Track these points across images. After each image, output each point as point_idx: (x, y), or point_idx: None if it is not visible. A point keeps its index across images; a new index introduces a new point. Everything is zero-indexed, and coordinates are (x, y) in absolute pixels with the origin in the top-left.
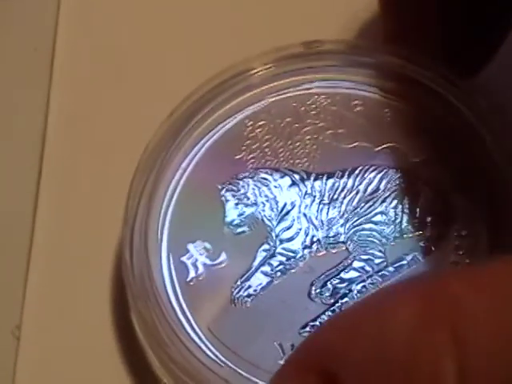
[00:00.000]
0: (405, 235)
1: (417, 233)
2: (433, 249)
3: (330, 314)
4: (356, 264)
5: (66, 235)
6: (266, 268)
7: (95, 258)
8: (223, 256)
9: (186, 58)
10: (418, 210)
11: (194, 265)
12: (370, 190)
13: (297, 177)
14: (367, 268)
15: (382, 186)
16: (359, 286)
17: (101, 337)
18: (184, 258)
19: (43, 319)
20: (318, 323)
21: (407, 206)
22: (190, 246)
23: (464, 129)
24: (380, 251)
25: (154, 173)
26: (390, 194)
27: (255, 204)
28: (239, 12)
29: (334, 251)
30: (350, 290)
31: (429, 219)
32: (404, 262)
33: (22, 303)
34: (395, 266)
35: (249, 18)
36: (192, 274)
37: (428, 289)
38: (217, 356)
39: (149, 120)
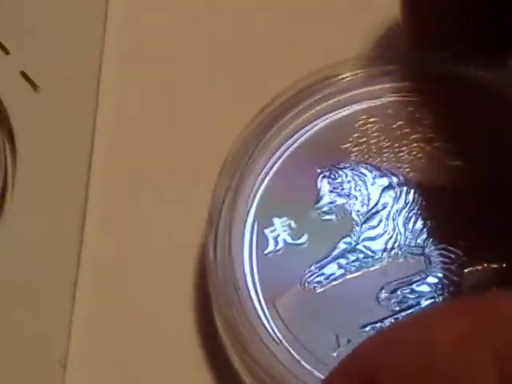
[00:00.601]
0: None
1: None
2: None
3: (392, 320)
4: (430, 279)
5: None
6: (343, 260)
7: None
8: (305, 238)
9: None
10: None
11: (275, 239)
12: (465, 212)
13: (395, 180)
14: (440, 286)
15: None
16: (428, 302)
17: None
18: (267, 231)
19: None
20: (378, 326)
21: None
22: (276, 220)
23: None
24: (459, 271)
25: (248, 154)
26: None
27: (348, 196)
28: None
29: (412, 261)
30: (418, 304)
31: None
32: (478, 288)
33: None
34: (469, 290)
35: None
36: (271, 247)
37: (476, 308)
38: (274, 331)
39: (235, 119)
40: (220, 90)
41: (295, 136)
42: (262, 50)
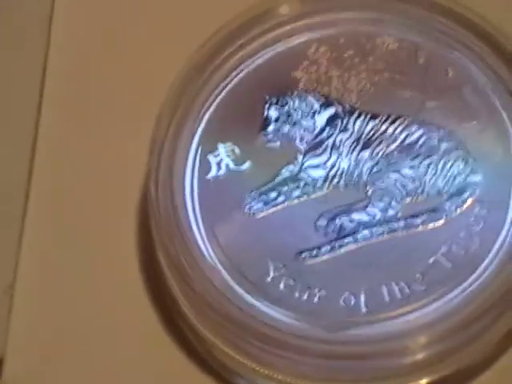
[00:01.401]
0: (426, 195)
1: (438, 196)
2: (448, 216)
3: (329, 248)
4: (370, 209)
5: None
6: (284, 187)
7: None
8: (248, 164)
9: None
10: (448, 174)
11: (218, 164)
12: (407, 141)
13: (342, 109)
14: (379, 215)
15: (420, 142)
16: (366, 231)
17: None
18: (210, 156)
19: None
20: (314, 253)
21: (439, 167)
22: (220, 145)
23: None
24: (397, 203)
25: (196, 80)
26: (425, 152)
27: (294, 124)
28: None
29: (353, 190)
30: (355, 232)
31: (453, 188)
32: (416, 221)
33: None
34: (407, 221)
35: None
36: (213, 172)
37: None
38: (210, 255)
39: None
40: (168, 16)
41: (245, 63)
42: None
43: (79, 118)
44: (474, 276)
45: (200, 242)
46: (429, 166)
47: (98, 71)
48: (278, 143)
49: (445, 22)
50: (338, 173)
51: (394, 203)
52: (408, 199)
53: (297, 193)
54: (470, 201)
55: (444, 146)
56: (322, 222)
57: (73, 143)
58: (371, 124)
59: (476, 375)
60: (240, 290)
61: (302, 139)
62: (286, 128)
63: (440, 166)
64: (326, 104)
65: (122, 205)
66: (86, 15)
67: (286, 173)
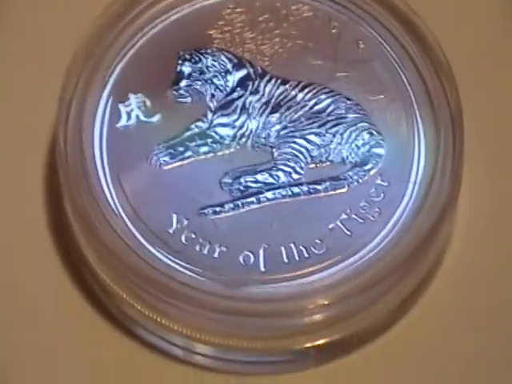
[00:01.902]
0: (330, 163)
1: (341, 164)
2: (349, 185)
3: (231, 206)
4: (274, 171)
5: None
6: (192, 143)
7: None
8: (158, 117)
9: None
10: (353, 145)
11: (128, 114)
12: (315, 109)
13: (254, 71)
14: (283, 179)
15: (328, 110)
16: (269, 194)
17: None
18: (121, 105)
19: None
20: (217, 210)
21: (344, 137)
22: (131, 96)
23: None
24: (301, 168)
25: (109, 31)
26: (332, 120)
27: (206, 81)
28: None
29: (259, 151)
30: (259, 193)
31: (357, 158)
32: (319, 187)
33: None
34: (310, 186)
35: None
36: (123, 121)
37: None
38: (115, 204)
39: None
40: None
41: (160, 18)
42: None
43: None
44: (371, 245)
45: (106, 191)
46: (335, 134)
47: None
48: (189, 99)
49: None
50: (246, 133)
51: (298, 168)
52: (312, 165)
53: (204, 149)
54: (372, 172)
55: (351, 116)
56: (227, 180)
57: None
58: (281, 89)
59: (371, 339)
60: (142, 240)
61: (212, 97)
62: (198, 85)
63: (345, 136)
64: (239, 65)
65: (30, 155)
66: None
67: (194, 129)
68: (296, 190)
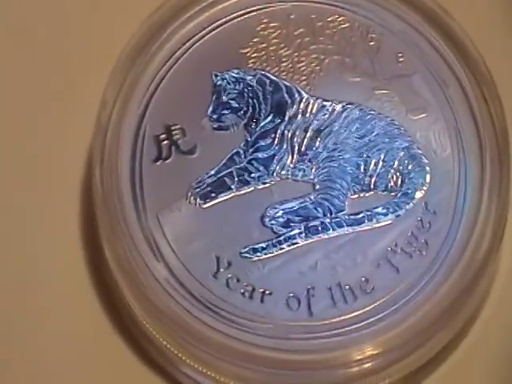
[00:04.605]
0: (373, 192)
1: (385, 193)
2: (392, 216)
3: (275, 242)
4: (315, 203)
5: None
6: (231, 176)
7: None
8: (195, 147)
9: None
10: (397, 172)
11: (166, 146)
12: (356, 134)
13: (292, 94)
14: (324, 210)
15: (369, 135)
16: (310, 224)
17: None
18: (157, 137)
19: None
20: (259, 247)
21: (387, 164)
22: (168, 127)
23: None
24: (344, 199)
25: (141, 57)
26: (374, 146)
27: (243, 106)
28: None
29: (300, 183)
30: (302, 227)
31: (401, 186)
32: (363, 219)
33: None
34: (353, 218)
35: None
36: (160, 154)
37: None
38: (155, 246)
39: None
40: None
41: (192, 39)
42: None
43: (24, 97)
44: (419, 285)
45: (145, 231)
46: (377, 162)
47: (41, 54)
48: (226, 127)
49: (399, 5)
50: (286, 165)
51: (341, 198)
52: (355, 195)
53: (243, 184)
54: (417, 200)
55: (393, 140)
56: (268, 216)
57: (17, 121)
58: (320, 113)
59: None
60: (184, 288)
61: (249, 125)
62: (234, 111)
63: (389, 163)
64: (276, 88)
65: (65, 192)
66: None
67: (233, 160)
68: (339, 222)
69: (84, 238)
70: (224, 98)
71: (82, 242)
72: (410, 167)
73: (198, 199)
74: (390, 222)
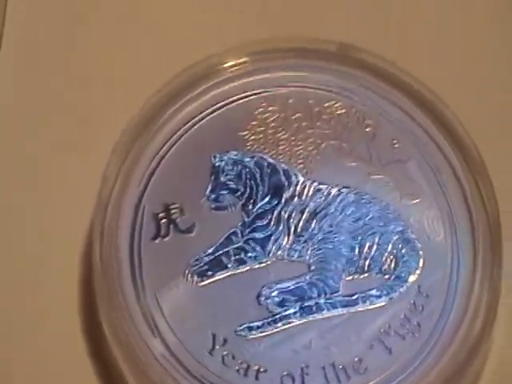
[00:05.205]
0: (367, 274)
1: (379, 276)
2: (385, 298)
3: (270, 321)
4: (310, 284)
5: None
6: (228, 255)
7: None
8: (193, 227)
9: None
10: (391, 255)
11: (165, 225)
12: (351, 217)
13: (289, 177)
14: (319, 291)
15: (364, 218)
16: (305, 304)
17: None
18: (156, 216)
19: None
20: (254, 326)
21: (382, 247)
22: (166, 206)
23: None
24: (338, 280)
25: (141, 138)
26: (369, 230)
27: (240, 187)
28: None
29: (295, 263)
30: (297, 306)
31: (395, 269)
32: (357, 300)
33: None
34: (347, 299)
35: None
36: (159, 232)
37: None
38: (154, 322)
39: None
40: (112, 77)
41: (192, 121)
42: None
43: (26, 169)
44: (411, 366)
45: (143, 308)
46: (372, 245)
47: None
48: (224, 206)
49: (395, 92)
50: (282, 245)
51: (336, 279)
52: (350, 277)
53: (240, 263)
54: (410, 283)
55: (388, 224)
56: (264, 295)
57: (19, 193)
58: (316, 195)
59: None
60: (180, 364)
61: (248, 205)
62: (233, 191)
63: (383, 246)
64: (273, 170)
65: (64, 266)
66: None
67: (230, 239)
68: (333, 303)
69: (83, 312)
70: (222, 178)
71: (81, 316)
72: (403, 251)
73: (196, 277)
74: (383, 304)
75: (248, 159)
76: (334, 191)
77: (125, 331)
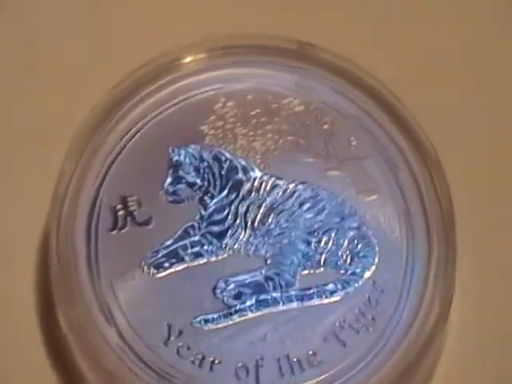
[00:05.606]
0: (323, 269)
1: (335, 271)
2: (340, 293)
3: (226, 313)
4: (266, 277)
5: None
6: (185, 247)
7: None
8: (150, 219)
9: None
10: (347, 251)
11: (122, 217)
12: (310, 213)
13: (246, 172)
14: (275, 284)
15: (321, 214)
16: (261, 297)
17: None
18: (113, 208)
19: None
20: (210, 318)
21: (337, 242)
22: (124, 198)
23: None
24: (294, 275)
25: (98, 131)
26: (325, 225)
27: (198, 181)
28: None
29: (252, 257)
30: (253, 299)
31: (350, 264)
32: (312, 295)
33: None
34: (303, 293)
35: None
36: (116, 224)
37: None
38: (110, 312)
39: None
40: (71, 70)
41: (151, 115)
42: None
43: None
44: (365, 359)
45: (99, 299)
46: (328, 240)
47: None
48: (182, 199)
49: (353, 90)
50: (239, 240)
51: (291, 274)
52: (305, 272)
53: (196, 256)
54: (365, 279)
55: (344, 220)
56: (220, 287)
57: None
58: (274, 191)
59: None
60: (135, 353)
61: (205, 198)
62: (189, 186)
63: (339, 242)
64: (230, 165)
65: (21, 256)
66: None
67: (187, 232)
68: (289, 297)
69: (39, 302)
70: (180, 172)
71: (37, 306)
72: (359, 246)
73: (152, 269)
74: (338, 298)
75: (206, 153)
76: (291, 187)
77: (80, 320)
